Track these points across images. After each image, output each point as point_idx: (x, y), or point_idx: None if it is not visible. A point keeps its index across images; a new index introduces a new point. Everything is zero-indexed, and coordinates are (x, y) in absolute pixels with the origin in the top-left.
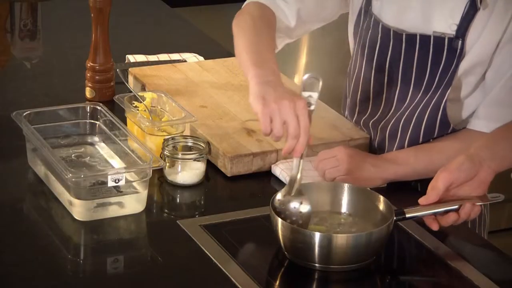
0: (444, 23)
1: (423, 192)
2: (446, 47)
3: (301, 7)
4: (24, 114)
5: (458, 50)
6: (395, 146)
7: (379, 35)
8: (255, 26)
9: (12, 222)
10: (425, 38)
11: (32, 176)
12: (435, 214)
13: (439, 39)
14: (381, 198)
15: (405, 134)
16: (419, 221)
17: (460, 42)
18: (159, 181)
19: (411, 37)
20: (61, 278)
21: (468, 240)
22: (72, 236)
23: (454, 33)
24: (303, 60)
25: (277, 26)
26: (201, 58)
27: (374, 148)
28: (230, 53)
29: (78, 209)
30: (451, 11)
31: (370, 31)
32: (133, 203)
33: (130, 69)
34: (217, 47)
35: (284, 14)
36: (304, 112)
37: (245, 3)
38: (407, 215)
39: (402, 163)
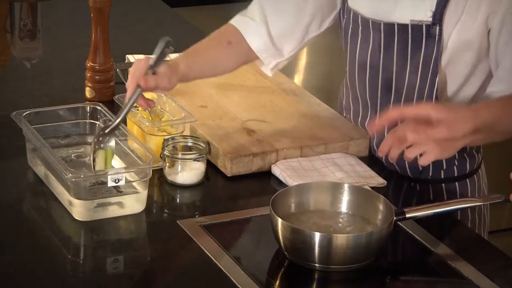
0: (420, 11)
1: (422, 192)
2: (424, 35)
3: (273, 21)
4: (24, 114)
5: (437, 36)
6: None
7: (360, 28)
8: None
9: (12, 222)
10: (403, 27)
11: (32, 176)
12: (435, 214)
13: (417, 27)
14: (381, 198)
15: None
16: (419, 221)
17: (437, 28)
18: (159, 181)
19: (390, 26)
20: (61, 278)
21: (468, 240)
22: (72, 236)
23: (431, 19)
24: (303, 60)
25: (253, 46)
26: None
27: (374, 150)
28: None
29: (78, 209)
30: None
31: (351, 26)
32: (133, 203)
33: (130, 69)
34: None
35: (256, 33)
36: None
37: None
38: (407, 215)
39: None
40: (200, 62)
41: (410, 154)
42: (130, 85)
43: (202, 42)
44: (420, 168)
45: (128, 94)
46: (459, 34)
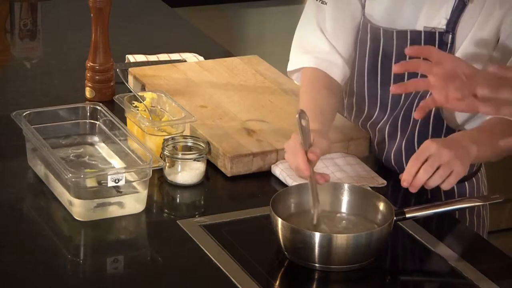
0: (434, 18)
1: (422, 193)
2: (437, 42)
3: (340, 46)
4: (24, 114)
5: (449, 44)
6: (395, 146)
7: (368, 36)
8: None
9: (12, 222)
10: (416, 34)
11: (32, 176)
12: (434, 214)
13: (429, 34)
14: (381, 198)
15: (403, 134)
16: (419, 221)
17: (450, 36)
18: (159, 181)
19: (402, 34)
20: (61, 278)
21: (468, 240)
22: (72, 236)
23: (444, 27)
24: None
25: (339, 80)
26: (201, 58)
27: (374, 149)
28: (230, 53)
29: (78, 209)
30: (441, 5)
31: (360, 32)
32: (133, 203)
33: (130, 69)
34: (217, 47)
35: (335, 65)
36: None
37: (301, 68)
38: (407, 215)
39: (481, 142)
40: (330, 119)
41: (444, 172)
42: (303, 165)
43: (317, 97)
44: None
45: (306, 173)
46: (470, 43)
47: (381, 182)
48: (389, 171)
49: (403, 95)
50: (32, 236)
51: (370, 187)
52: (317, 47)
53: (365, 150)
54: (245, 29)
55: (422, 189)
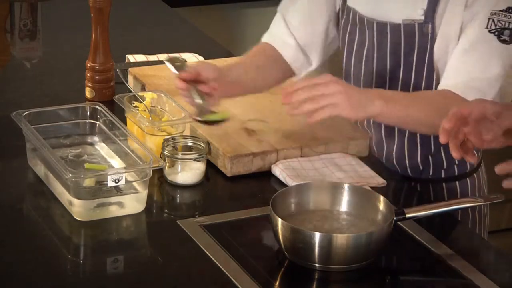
0: (412, 10)
1: (423, 192)
2: (417, 34)
3: (297, 32)
4: (24, 114)
5: (429, 34)
6: (395, 145)
7: (357, 28)
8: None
9: (12, 222)
10: (395, 26)
11: (32, 176)
12: (435, 214)
13: (409, 26)
14: (381, 198)
15: (403, 132)
16: (419, 221)
17: (430, 26)
18: (159, 181)
19: (382, 25)
20: (61, 278)
21: (468, 240)
22: (72, 236)
23: (423, 18)
24: None
25: (287, 58)
26: (201, 58)
27: (373, 149)
28: (230, 53)
29: (78, 209)
30: None
31: (349, 25)
32: (133, 203)
33: (130, 69)
34: (217, 47)
35: (288, 45)
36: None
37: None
38: (407, 215)
39: (392, 99)
40: (253, 70)
41: (322, 100)
42: (178, 82)
43: (248, 56)
44: (421, 168)
45: (180, 85)
46: (445, 27)
47: (381, 182)
48: (389, 171)
49: (387, 88)
50: (32, 236)
51: (370, 187)
52: (275, 28)
53: (365, 150)
54: (245, 29)
55: (423, 188)
